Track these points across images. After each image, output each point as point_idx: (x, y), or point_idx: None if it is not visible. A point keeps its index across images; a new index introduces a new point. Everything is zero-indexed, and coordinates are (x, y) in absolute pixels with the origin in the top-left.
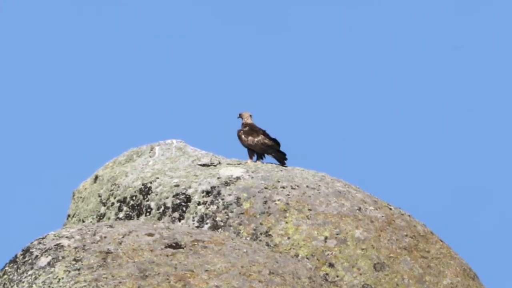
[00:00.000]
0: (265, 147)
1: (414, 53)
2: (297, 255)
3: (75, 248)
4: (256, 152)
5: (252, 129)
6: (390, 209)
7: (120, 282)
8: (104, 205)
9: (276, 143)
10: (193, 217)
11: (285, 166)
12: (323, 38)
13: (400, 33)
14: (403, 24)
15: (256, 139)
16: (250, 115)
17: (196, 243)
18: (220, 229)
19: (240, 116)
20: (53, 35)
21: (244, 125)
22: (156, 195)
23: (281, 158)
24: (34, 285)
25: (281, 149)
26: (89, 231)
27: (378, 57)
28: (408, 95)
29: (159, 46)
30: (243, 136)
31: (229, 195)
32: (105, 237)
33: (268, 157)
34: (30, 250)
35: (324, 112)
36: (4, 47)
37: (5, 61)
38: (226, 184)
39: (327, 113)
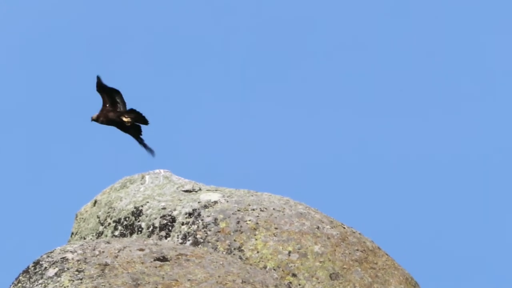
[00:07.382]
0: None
1: (357, 92)
2: (265, 267)
3: (78, 260)
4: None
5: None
6: (344, 227)
7: None
8: (102, 225)
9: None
10: (178, 235)
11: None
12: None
13: (344, 72)
14: (348, 63)
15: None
16: None
17: (180, 256)
18: (200, 245)
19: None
20: (59, 71)
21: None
22: (146, 216)
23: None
24: None
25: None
26: (90, 246)
27: (330, 93)
28: (362, 131)
29: (150, 88)
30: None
31: (208, 216)
32: (103, 252)
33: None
34: (40, 262)
35: (290, 149)
36: (14, 87)
37: (13, 97)
38: (206, 207)
39: (292, 150)
